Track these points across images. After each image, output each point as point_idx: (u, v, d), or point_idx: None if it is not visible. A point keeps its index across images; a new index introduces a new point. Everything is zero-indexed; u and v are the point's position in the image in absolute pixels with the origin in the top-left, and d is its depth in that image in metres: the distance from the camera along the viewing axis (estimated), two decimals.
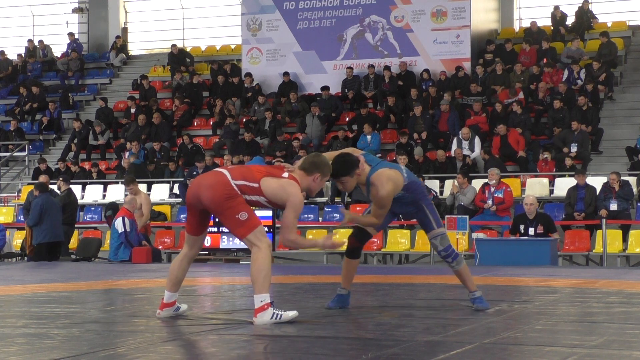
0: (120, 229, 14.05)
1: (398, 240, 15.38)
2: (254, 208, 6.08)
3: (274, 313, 5.78)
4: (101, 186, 19.38)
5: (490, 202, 15.14)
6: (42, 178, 16.54)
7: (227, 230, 14.51)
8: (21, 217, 18.04)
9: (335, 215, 16.60)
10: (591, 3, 22.50)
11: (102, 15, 27.15)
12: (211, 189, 5.89)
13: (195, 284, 9.75)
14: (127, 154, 20.33)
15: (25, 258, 15.50)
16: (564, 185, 16.01)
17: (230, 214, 5.89)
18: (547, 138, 18.26)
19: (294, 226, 6.00)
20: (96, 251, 15.60)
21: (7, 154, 22.59)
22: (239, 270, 12.01)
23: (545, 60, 20.40)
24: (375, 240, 15.27)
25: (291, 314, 5.86)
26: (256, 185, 5.93)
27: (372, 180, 6.26)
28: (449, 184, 16.55)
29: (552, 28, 22.19)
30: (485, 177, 15.84)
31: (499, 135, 17.81)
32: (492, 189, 15.19)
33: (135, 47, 27.69)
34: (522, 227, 13.54)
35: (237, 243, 14.54)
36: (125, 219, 14.07)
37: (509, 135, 17.66)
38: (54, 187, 16.78)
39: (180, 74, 23.18)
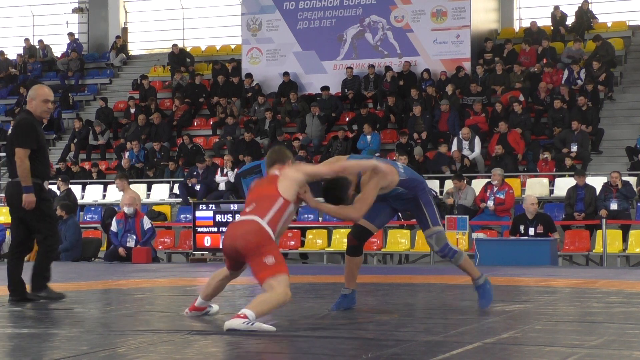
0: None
1: (398, 240, 15.38)
2: None
3: (249, 321, 5.39)
4: (101, 186, 19.39)
5: (490, 202, 15.12)
6: None
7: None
8: None
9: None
10: (591, 3, 22.50)
11: (102, 15, 27.16)
12: (243, 239, 5.70)
13: (196, 284, 9.75)
14: (127, 154, 20.34)
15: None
16: (564, 185, 16.01)
17: (259, 258, 5.63)
18: (547, 138, 18.26)
19: (318, 169, 5.98)
20: (96, 251, 15.62)
21: None
22: None
23: (545, 61, 20.41)
24: (375, 240, 15.27)
25: (266, 327, 5.41)
26: (281, 200, 5.73)
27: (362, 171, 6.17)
28: (448, 184, 16.56)
29: (552, 28, 22.19)
30: (485, 177, 15.83)
31: (498, 133, 17.81)
32: (495, 189, 15.18)
33: (135, 47, 27.70)
34: (522, 228, 13.55)
35: None
36: (114, 220, 14.38)
37: (509, 135, 17.65)
38: (54, 187, 16.78)
39: (181, 74, 23.19)
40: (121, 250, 14.15)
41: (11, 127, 7.35)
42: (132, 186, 18.70)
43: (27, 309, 6.84)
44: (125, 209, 14.22)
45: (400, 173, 6.25)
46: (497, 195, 15.11)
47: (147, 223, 14.41)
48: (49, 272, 7.38)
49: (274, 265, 5.59)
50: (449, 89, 19.80)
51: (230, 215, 14.59)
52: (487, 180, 15.79)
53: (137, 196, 14.74)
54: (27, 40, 26.95)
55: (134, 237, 14.23)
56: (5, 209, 18.96)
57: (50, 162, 7.56)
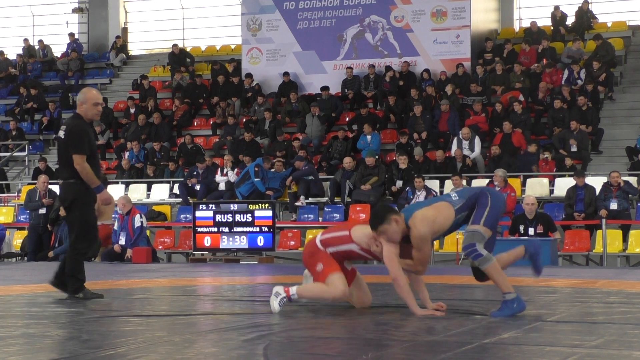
0: None
1: None
2: (351, 263, 6.57)
3: (281, 296, 6.32)
4: None
5: None
6: (42, 178, 16.55)
7: (227, 231, 14.61)
8: (21, 217, 18.05)
9: (335, 215, 16.59)
10: (591, 3, 22.51)
11: (102, 15, 27.18)
12: (304, 251, 6.69)
13: (195, 284, 9.75)
14: (127, 154, 20.34)
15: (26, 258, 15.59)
16: (564, 185, 16.01)
17: (313, 268, 6.49)
18: (547, 138, 18.26)
19: (392, 259, 6.18)
20: (96, 251, 15.63)
21: (7, 154, 22.59)
22: (239, 270, 12.00)
23: (545, 61, 20.41)
24: None
25: (275, 305, 6.29)
26: (346, 233, 6.41)
27: (409, 224, 6.15)
28: (449, 184, 16.55)
29: (552, 28, 22.20)
30: (486, 177, 15.82)
31: (502, 132, 17.78)
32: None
33: (135, 47, 27.71)
34: (521, 228, 13.53)
35: (237, 243, 14.56)
36: (116, 220, 14.70)
37: (513, 135, 17.63)
38: (55, 188, 16.79)
39: (181, 74, 23.19)
40: (116, 247, 14.27)
41: (63, 131, 7.64)
42: (131, 186, 18.77)
43: (27, 309, 6.84)
44: (118, 210, 14.47)
45: (454, 204, 6.21)
46: None
47: (137, 221, 14.42)
48: (82, 274, 7.58)
49: (322, 271, 6.36)
50: (449, 89, 19.81)
51: (230, 215, 14.60)
52: (487, 180, 15.78)
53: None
54: (26, 40, 26.97)
55: (126, 235, 14.29)
56: (6, 209, 18.97)
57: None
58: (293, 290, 6.36)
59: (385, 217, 6.14)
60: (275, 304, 6.29)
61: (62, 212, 14.68)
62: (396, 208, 6.57)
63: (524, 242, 6.52)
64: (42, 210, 15.95)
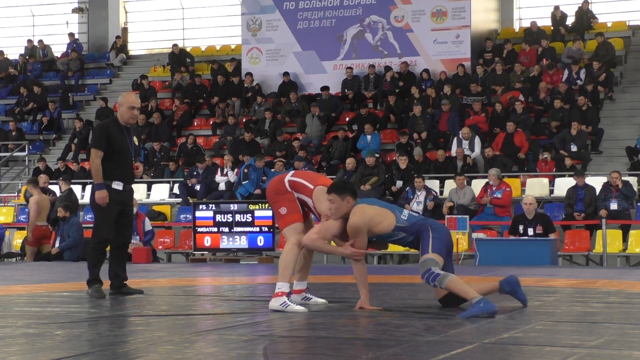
0: None
1: None
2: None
3: (284, 302, 6.30)
4: None
5: (487, 199, 15.22)
6: (43, 178, 16.53)
7: (227, 231, 14.62)
8: (21, 217, 18.05)
9: None
10: (591, 3, 22.51)
11: (102, 15, 27.19)
12: (268, 184, 6.80)
13: (195, 284, 9.75)
14: None
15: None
16: (564, 185, 16.02)
17: (275, 207, 6.65)
18: (547, 138, 18.26)
19: (321, 232, 6.43)
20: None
21: (7, 154, 22.60)
22: (239, 270, 12.00)
23: (545, 61, 20.41)
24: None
25: (298, 308, 6.28)
26: (311, 186, 6.56)
27: (352, 211, 6.39)
28: (449, 184, 16.56)
29: (552, 28, 22.20)
30: (486, 177, 15.84)
31: (505, 132, 17.78)
32: (494, 188, 15.22)
33: (135, 47, 27.72)
34: (521, 228, 13.54)
35: (237, 243, 14.56)
36: None
37: (515, 135, 17.63)
38: (55, 188, 16.79)
39: (181, 74, 23.19)
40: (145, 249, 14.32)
41: None
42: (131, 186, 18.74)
43: (27, 309, 6.84)
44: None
45: (399, 220, 6.40)
46: (495, 195, 15.14)
47: (148, 225, 14.54)
48: (94, 270, 7.80)
49: (285, 215, 6.55)
50: (447, 89, 19.78)
51: (230, 215, 14.61)
52: (486, 180, 15.79)
53: (38, 200, 14.96)
54: (30, 41, 26.97)
55: (137, 238, 14.32)
56: (6, 209, 18.98)
57: (135, 165, 8.16)
58: (278, 287, 6.37)
59: (343, 191, 6.38)
60: (295, 308, 6.26)
61: (60, 213, 14.76)
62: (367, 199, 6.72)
63: (501, 279, 6.59)
64: None
